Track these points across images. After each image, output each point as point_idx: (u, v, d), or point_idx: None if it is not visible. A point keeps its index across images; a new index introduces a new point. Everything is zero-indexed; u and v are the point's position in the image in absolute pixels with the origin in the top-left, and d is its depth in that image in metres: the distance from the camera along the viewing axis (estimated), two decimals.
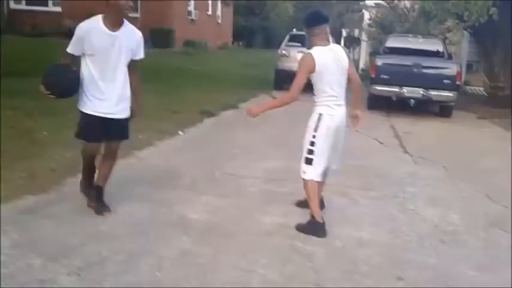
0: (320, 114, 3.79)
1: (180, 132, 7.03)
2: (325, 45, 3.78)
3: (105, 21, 3.54)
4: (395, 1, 16.74)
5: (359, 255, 3.51)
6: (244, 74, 15.83)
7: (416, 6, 14.84)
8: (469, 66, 15.84)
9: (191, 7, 24.07)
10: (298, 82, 3.75)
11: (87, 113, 3.67)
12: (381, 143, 7.51)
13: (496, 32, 11.74)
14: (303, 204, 4.18)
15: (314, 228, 3.80)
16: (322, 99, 3.80)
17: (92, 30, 3.52)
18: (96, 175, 3.99)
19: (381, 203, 4.68)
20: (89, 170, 3.95)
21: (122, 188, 4.49)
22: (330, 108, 3.79)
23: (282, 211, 4.24)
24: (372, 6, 17.79)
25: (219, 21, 28.07)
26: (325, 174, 3.97)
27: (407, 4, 16.36)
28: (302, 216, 4.09)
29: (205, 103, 9.24)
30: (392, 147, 7.34)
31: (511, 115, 10.54)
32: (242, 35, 30.28)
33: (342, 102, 3.86)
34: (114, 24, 3.56)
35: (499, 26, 11.34)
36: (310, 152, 3.81)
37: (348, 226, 4.03)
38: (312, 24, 3.81)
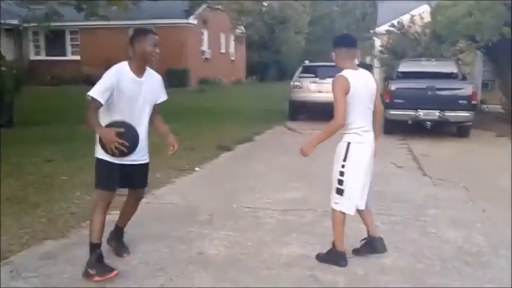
0: (349, 143, 3.63)
1: (197, 169, 7.10)
2: (355, 69, 3.70)
3: (132, 68, 3.50)
4: (406, 27, 16.87)
5: (382, 282, 3.45)
6: (258, 107, 15.99)
7: (427, 31, 14.93)
8: (484, 85, 15.72)
9: (205, 47, 24.70)
10: (340, 106, 3.51)
11: (109, 161, 3.45)
12: (399, 166, 7.44)
13: (509, 50, 11.69)
14: (360, 251, 3.89)
15: (335, 257, 3.72)
16: (351, 126, 3.61)
17: (121, 76, 3.42)
18: (118, 216, 4.01)
19: (402, 227, 4.61)
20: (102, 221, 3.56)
21: (140, 227, 4.53)
22: (359, 136, 3.63)
23: (301, 241, 4.21)
24: (383, 33, 17.94)
25: (232, 58, 28.64)
26: (365, 205, 3.82)
27: (418, 29, 16.46)
28: (321, 246, 4.05)
29: (221, 138, 9.34)
30: (411, 170, 7.26)
31: None
32: (255, 69, 30.75)
33: (370, 128, 3.72)
34: (139, 70, 3.54)
35: None
36: (340, 182, 3.66)
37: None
38: (342, 45, 3.71)
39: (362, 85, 3.61)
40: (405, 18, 17.22)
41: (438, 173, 6.87)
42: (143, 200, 5.33)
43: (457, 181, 6.42)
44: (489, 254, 3.95)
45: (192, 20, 22.08)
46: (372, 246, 3.86)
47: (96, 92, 3.33)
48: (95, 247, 3.48)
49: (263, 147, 9.39)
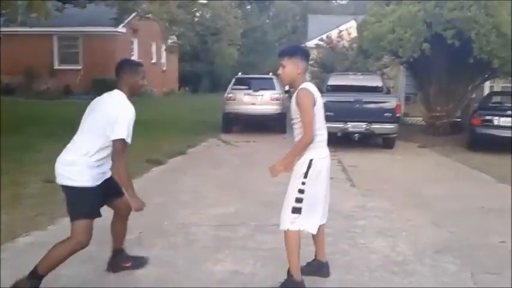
0: (311, 160, 3.38)
1: None
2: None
3: None
4: (334, 42, 17.50)
5: None
6: (191, 119, 15.83)
7: (354, 45, 15.58)
8: (407, 98, 16.65)
9: (135, 56, 24.12)
10: (309, 120, 3.28)
11: (93, 187, 3.35)
12: (330, 178, 7.60)
13: (429, 65, 12.46)
14: (303, 271, 3.56)
15: None
16: (314, 140, 3.38)
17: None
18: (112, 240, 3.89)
19: (333, 239, 4.68)
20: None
21: None
22: (320, 151, 3.47)
23: (234, 258, 4.16)
24: (313, 47, 18.50)
25: (164, 68, 28.21)
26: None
27: (346, 44, 17.14)
28: (254, 261, 4.03)
29: (152, 152, 9.09)
30: (341, 181, 7.46)
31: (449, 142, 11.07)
32: (188, 80, 30.49)
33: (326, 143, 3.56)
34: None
35: (432, 60, 12.04)
36: (299, 200, 3.37)
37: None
38: (299, 56, 3.42)
39: (319, 98, 3.43)
40: (333, 33, 17.88)
41: (365, 184, 7.13)
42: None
43: (383, 191, 6.69)
44: (414, 262, 4.12)
45: (121, 29, 21.51)
46: (318, 269, 3.75)
47: (126, 133, 3.48)
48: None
49: (196, 160, 9.28)
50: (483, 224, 5.30)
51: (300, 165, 3.42)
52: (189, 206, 5.78)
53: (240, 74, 15.43)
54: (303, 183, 3.38)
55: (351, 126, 10.48)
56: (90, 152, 3.35)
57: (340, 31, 17.66)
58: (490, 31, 10.96)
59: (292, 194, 3.41)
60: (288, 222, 3.40)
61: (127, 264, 3.87)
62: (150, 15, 18.43)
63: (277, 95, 13.29)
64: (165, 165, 8.41)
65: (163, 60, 27.84)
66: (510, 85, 14.77)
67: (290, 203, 3.41)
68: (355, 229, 5.01)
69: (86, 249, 4.21)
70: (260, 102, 13.01)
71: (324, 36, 17.99)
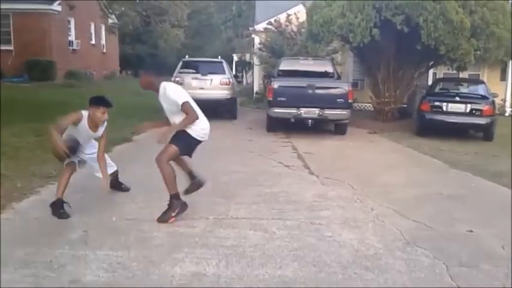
0: None
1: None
2: None
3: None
4: (283, 26, 17.20)
5: None
6: (135, 104, 15.03)
7: (303, 30, 15.35)
8: (354, 84, 16.67)
9: (72, 37, 22.69)
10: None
11: None
12: (286, 165, 7.36)
13: (379, 51, 12.46)
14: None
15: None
16: None
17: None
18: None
19: (298, 232, 4.40)
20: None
21: None
22: None
23: (194, 257, 3.75)
24: (261, 31, 18.10)
25: (104, 50, 26.81)
26: None
27: (294, 28, 16.88)
28: (218, 260, 3.66)
29: None
30: (298, 169, 7.21)
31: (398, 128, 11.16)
32: (130, 63, 29.22)
33: None
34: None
35: (381, 46, 12.04)
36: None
37: (269, 264, 3.66)
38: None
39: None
40: (282, 17, 17.56)
41: (323, 172, 6.92)
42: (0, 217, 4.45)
43: (342, 179, 6.50)
44: (386, 256, 3.90)
45: (56, 7, 20.06)
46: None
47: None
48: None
49: (143, 148, 8.66)
50: (445, 212, 5.21)
51: None
52: (139, 199, 5.28)
53: (187, 57, 14.77)
54: None
55: (304, 112, 10.27)
56: None
57: (289, 15, 17.36)
58: (438, 18, 11.07)
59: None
60: None
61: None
62: None
63: (226, 80, 12.84)
64: (109, 154, 7.73)
65: (103, 41, 26.44)
66: (451, 72, 15.14)
67: None
68: (319, 220, 4.74)
69: (21, 251, 3.68)
70: (209, 86, 12.52)
71: (272, 20, 17.62)
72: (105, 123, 4.99)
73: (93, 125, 4.83)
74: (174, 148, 4.62)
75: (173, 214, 4.56)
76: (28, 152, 7.31)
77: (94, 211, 4.80)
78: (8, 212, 4.68)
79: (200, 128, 4.73)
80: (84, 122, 4.79)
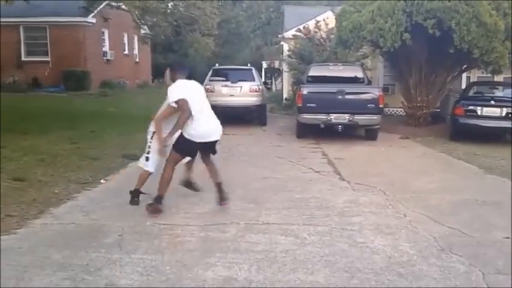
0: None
1: (102, 181, 6.38)
2: None
3: None
4: (312, 33, 17.17)
5: None
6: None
7: (332, 36, 15.29)
8: (385, 89, 16.47)
9: (106, 47, 23.30)
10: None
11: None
12: (317, 171, 7.33)
13: (410, 55, 12.29)
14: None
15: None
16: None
17: None
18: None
19: (330, 238, 4.38)
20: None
21: (35, 254, 3.85)
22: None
23: (226, 261, 3.79)
24: (290, 38, 18.12)
25: (137, 59, 27.39)
26: None
27: (323, 34, 16.83)
28: (249, 265, 3.68)
29: (128, 146, 8.61)
30: (329, 175, 7.17)
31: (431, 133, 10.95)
32: (162, 72, 29.68)
33: None
34: None
35: (413, 50, 11.87)
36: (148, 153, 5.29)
37: (300, 269, 3.66)
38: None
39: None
40: (311, 24, 17.54)
41: (355, 177, 6.85)
42: (39, 221, 4.62)
43: (374, 185, 6.43)
44: (420, 263, 3.84)
45: (91, 19, 20.64)
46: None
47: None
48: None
49: None
50: (481, 218, 5.09)
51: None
52: (172, 204, 5.35)
53: (217, 65, 14.93)
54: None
55: (334, 117, 10.21)
56: None
57: (318, 21, 17.32)
58: (470, 21, 10.84)
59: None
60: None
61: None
62: (121, 5, 17.72)
63: (256, 87, 12.90)
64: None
65: (136, 51, 27.02)
66: (485, 75, 14.76)
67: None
68: (351, 227, 4.71)
69: (58, 254, 3.80)
70: (239, 93, 12.61)
71: (301, 27, 17.62)
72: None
73: None
74: (173, 153, 4.89)
75: (149, 209, 4.87)
76: (64, 159, 7.53)
77: (128, 216, 4.91)
78: (46, 217, 4.84)
79: (197, 129, 4.78)
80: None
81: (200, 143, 4.89)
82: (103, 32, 22.83)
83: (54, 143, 8.84)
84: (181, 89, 4.89)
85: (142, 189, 5.35)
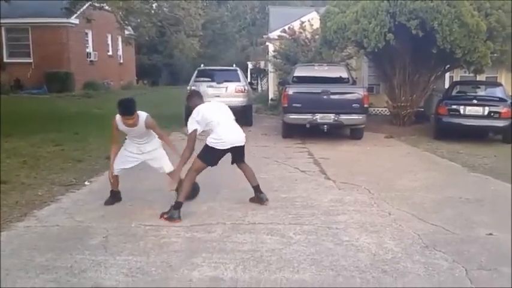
0: None
1: (86, 183, 6.32)
2: None
3: None
4: (297, 33, 17.24)
5: None
6: (152, 112, 15.14)
7: (317, 36, 15.36)
8: (370, 89, 16.61)
9: (90, 48, 23.10)
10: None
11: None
12: (303, 171, 7.35)
13: (394, 56, 12.41)
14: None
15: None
16: None
17: None
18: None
19: (315, 237, 4.40)
20: None
21: (19, 257, 3.81)
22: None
23: (212, 261, 3.78)
24: (275, 39, 18.16)
25: (121, 60, 27.21)
26: None
27: (308, 35, 16.90)
28: (235, 265, 3.68)
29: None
30: (314, 174, 7.20)
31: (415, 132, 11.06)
32: (146, 73, 29.56)
33: None
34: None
35: (397, 50, 11.99)
36: None
37: (286, 268, 3.67)
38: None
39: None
40: (296, 24, 17.61)
41: (340, 177, 6.90)
42: (22, 224, 4.56)
43: (359, 184, 6.47)
44: (404, 260, 3.88)
45: (74, 20, 20.43)
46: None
47: None
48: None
49: None
50: (464, 216, 5.16)
51: None
52: (157, 205, 5.32)
53: (202, 66, 14.88)
54: None
55: (319, 117, 10.26)
56: None
57: (302, 22, 17.39)
58: (453, 21, 10.99)
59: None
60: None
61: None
62: (104, 5, 17.56)
63: (241, 87, 12.90)
64: None
65: (120, 52, 26.84)
66: (468, 75, 14.97)
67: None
68: (336, 225, 4.73)
69: (42, 257, 3.76)
70: (224, 94, 12.59)
71: (286, 28, 17.68)
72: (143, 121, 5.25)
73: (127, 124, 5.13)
74: (198, 162, 5.09)
75: (166, 216, 4.80)
76: (48, 161, 7.45)
77: (113, 218, 4.87)
78: (29, 219, 4.78)
79: (220, 138, 5.07)
80: (121, 125, 5.15)
81: (224, 150, 5.13)
82: (86, 33, 22.64)
83: (38, 145, 8.74)
84: (195, 119, 5.16)
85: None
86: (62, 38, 20.71)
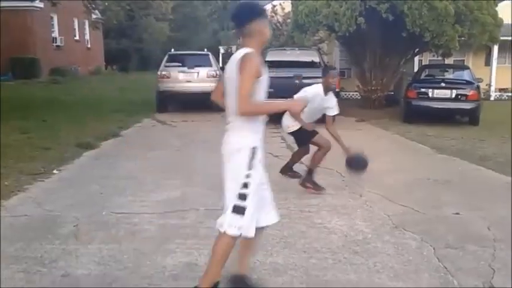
0: (254, 148, 2.75)
1: (55, 171, 6.18)
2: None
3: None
4: (269, 17, 17.17)
5: (278, 284, 3.20)
6: (122, 98, 14.95)
7: (289, 20, 15.35)
8: (341, 73, 16.76)
9: (55, 33, 22.44)
10: (248, 91, 2.58)
11: None
12: (276, 156, 7.38)
13: (364, 39, 12.51)
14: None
15: None
16: (253, 123, 2.76)
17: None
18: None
19: (288, 220, 4.44)
20: None
21: None
22: (259, 136, 2.81)
23: (186, 248, 3.78)
24: None
25: (89, 45, 26.56)
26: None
27: (280, 19, 16.87)
28: (208, 250, 3.67)
29: (82, 135, 8.39)
30: (287, 159, 7.22)
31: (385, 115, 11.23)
32: (115, 58, 28.96)
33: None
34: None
35: (367, 34, 12.09)
36: (243, 197, 2.71)
37: (259, 252, 3.68)
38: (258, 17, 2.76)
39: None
40: (267, 8, 17.53)
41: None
42: None
43: (331, 167, 6.54)
44: (374, 240, 3.96)
45: (38, 3, 19.79)
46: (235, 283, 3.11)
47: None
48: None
49: (132, 142, 8.67)
50: (433, 196, 5.29)
51: (242, 154, 2.74)
52: (129, 192, 5.27)
53: (172, 50, 14.68)
54: (248, 176, 2.72)
55: None
56: None
57: (274, 6, 17.34)
58: (422, 5, 11.14)
59: (235, 190, 2.73)
60: (227, 225, 2.73)
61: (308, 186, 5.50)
62: None
63: (213, 72, 12.80)
64: (97, 149, 7.75)
65: (88, 37, 26.18)
66: (437, 58, 15.25)
67: (231, 201, 2.74)
68: (309, 208, 4.79)
69: (10, 247, 3.68)
70: (196, 79, 12.48)
71: None
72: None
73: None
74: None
75: (308, 184, 5.51)
76: (15, 150, 7.24)
77: (84, 205, 4.80)
78: None
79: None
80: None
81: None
82: (52, 17, 21.96)
83: (4, 133, 8.48)
84: None
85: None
86: (27, 22, 20.05)
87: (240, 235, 2.74)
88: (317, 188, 5.47)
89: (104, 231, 4.11)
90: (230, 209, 2.75)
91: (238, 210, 2.71)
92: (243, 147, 2.74)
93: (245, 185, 2.72)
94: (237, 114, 2.65)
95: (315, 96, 5.63)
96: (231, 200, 2.75)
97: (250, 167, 2.73)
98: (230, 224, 2.72)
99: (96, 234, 4.04)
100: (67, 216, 4.47)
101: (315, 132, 5.71)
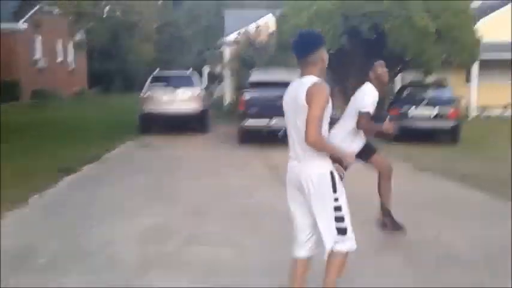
0: (332, 171, 2.84)
1: (36, 196, 6.00)
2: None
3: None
4: (252, 38, 17.26)
5: None
6: (105, 120, 14.77)
7: (274, 40, 15.43)
8: None
9: (38, 55, 22.23)
10: (319, 119, 2.71)
11: None
12: (259, 178, 7.32)
13: (347, 59, 12.61)
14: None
15: None
16: None
17: None
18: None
19: (270, 245, 4.35)
20: None
21: None
22: (329, 160, 2.89)
23: (168, 278, 3.66)
24: (232, 42, 18.11)
25: (72, 67, 26.34)
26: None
27: (264, 38, 16.95)
28: (190, 279, 3.57)
29: (63, 159, 8.23)
30: (271, 179, 7.18)
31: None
32: (99, 79, 28.75)
33: None
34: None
35: (350, 54, 12.19)
36: (340, 219, 2.84)
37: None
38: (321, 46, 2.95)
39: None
40: (251, 28, 17.65)
41: None
42: None
43: None
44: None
45: (22, 25, 19.63)
46: None
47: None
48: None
49: (114, 166, 8.52)
50: (413, 216, 5.26)
51: (321, 181, 2.80)
52: (109, 219, 5.13)
53: (157, 70, 14.53)
54: (336, 200, 2.82)
55: (276, 121, 10.24)
56: None
57: (258, 25, 17.45)
58: (403, 24, 11.29)
59: (330, 214, 2.82)
60: (332, 244, 2.86)
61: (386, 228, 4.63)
62: (55, 9, 16.97)
63: (197, 92, 12.75)
64: (78, 173, 7.58)
65: (71, 58, 25.99)
66: (418, 76, 15.40)
67: (330, 224, 2.82)
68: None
69: None
70: (179, 99, 12.39)
71: (242, 31, 17.69)
72: None
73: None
74: (376, 158, 4.96)
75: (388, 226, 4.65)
76: None
77: (62, 235, 4.64)
78: None
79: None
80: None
81: None
82: (34, 39, 21.78)
83: None
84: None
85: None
86: (10, 44, 19.83)
87: (347, 252, 2.91)
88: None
89: (82, 263, 3.97)
90: (334, 231, 2.84)
91: (340, 231, 2.85)
92: (323, 173, 2.82)
93: (338, 209, 2.83)
94: (305, 142, 2.72)
95: (374, 102, 4.50)
96: (329, 226, 2.84)
97: (335, 190, 2.82)
98: (336, 242, 2.86)
99: (74, 267, 3.89)
100: (44, 248, 4.31)
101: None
